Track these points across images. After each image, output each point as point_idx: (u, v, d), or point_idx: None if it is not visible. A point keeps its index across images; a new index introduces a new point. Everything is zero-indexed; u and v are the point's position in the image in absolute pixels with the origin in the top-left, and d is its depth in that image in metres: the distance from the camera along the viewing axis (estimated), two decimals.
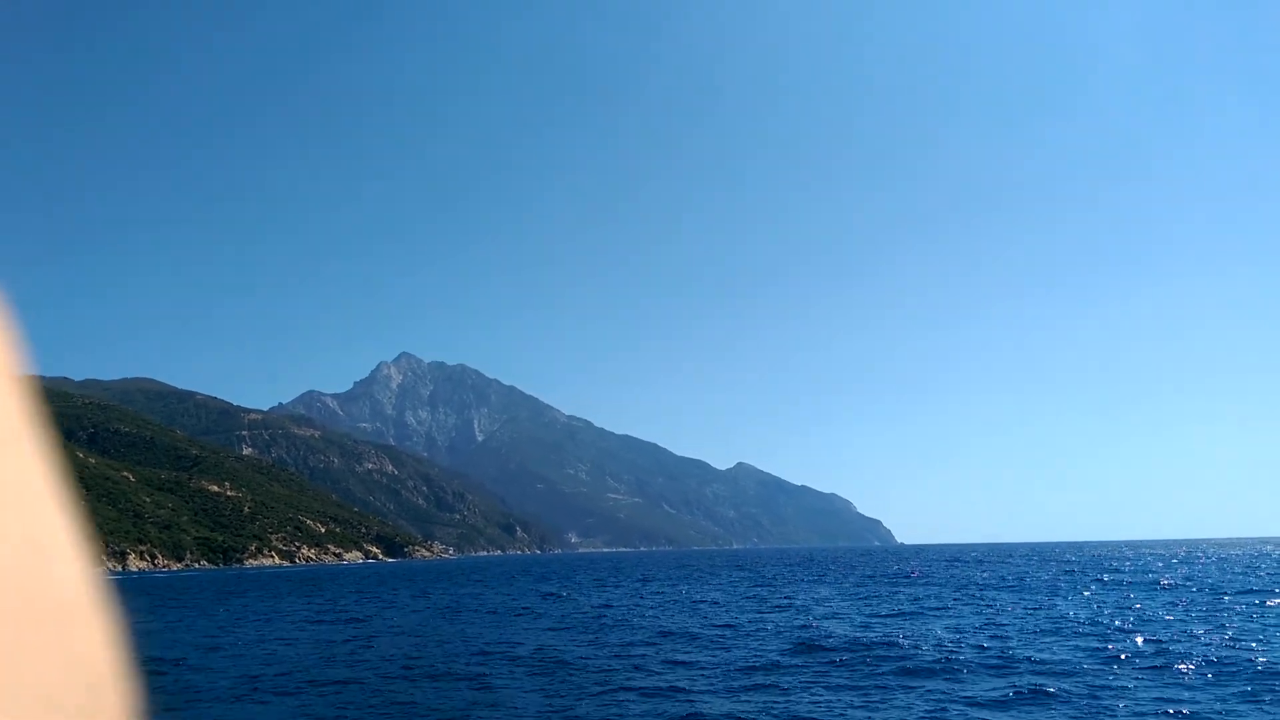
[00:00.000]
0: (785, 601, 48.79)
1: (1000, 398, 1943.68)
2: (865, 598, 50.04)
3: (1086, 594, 49.00)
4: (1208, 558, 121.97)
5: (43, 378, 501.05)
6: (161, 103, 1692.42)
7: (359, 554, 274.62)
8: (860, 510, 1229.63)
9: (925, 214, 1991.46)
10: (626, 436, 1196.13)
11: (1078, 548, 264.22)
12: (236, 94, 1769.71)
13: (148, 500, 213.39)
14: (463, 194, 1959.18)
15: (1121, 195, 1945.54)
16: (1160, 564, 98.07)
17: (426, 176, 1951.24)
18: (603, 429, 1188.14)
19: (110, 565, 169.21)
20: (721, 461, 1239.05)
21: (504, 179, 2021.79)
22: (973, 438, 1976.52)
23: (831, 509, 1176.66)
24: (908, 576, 74.00)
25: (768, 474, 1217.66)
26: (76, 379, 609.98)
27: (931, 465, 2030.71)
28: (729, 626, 34.96)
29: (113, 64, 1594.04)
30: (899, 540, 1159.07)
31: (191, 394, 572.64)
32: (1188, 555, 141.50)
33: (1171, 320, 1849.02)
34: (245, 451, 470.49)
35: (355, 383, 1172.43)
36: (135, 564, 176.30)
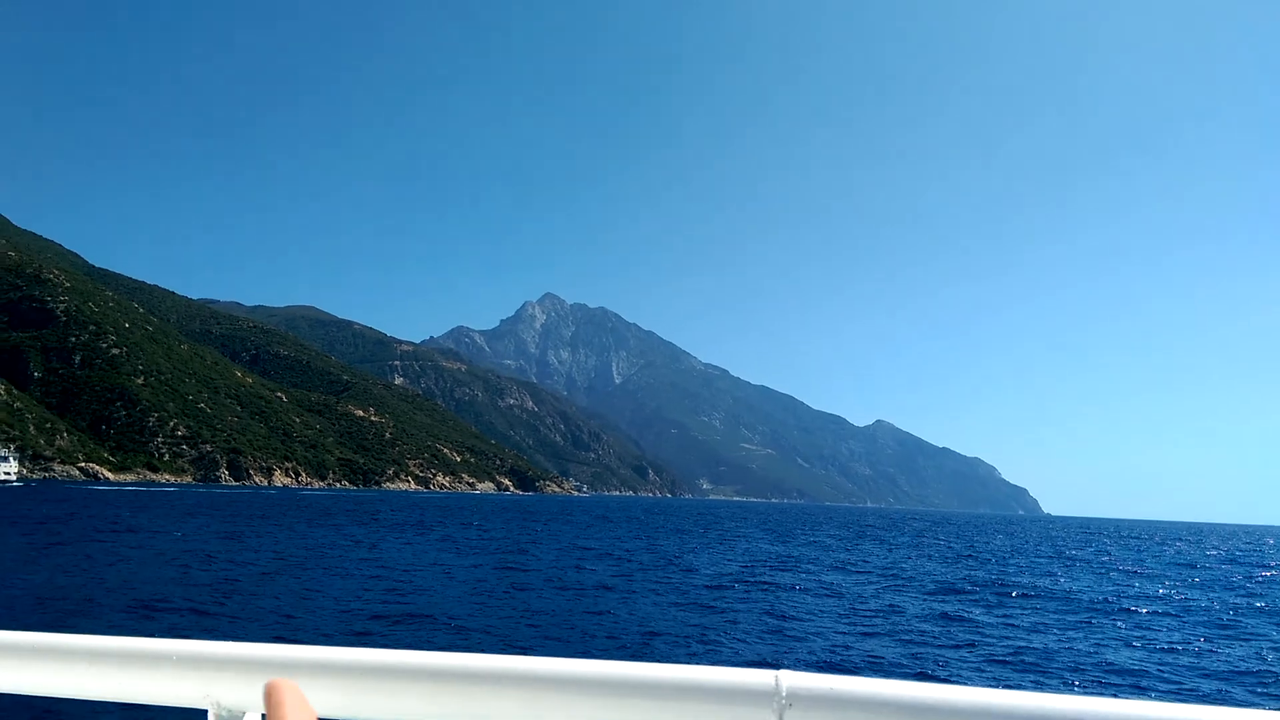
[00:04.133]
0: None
1: (1168, 370, 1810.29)
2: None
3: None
4: None
5: (216, 301, 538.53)
6: (341, 45, 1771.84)
7: (491, 485, 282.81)
8: (1005, 476, 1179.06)
9: (1087, 162, 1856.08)
10: (763, 387, 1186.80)
11: (1229, 531, 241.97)
12: (410, 49, 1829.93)
13: (297, 420, 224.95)
14: (608, 139, 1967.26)
15: None
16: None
17: (576, 122, 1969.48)
18: (739, 378, 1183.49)
19: (257, 480, 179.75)
20: (860, 418, 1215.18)
21: (652, 124, 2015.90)
22: (1133, 409, 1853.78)
23: (974, 474, 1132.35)
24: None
25: (908, 433, 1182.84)
26: (247, 304, 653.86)
27: (1086, 434, 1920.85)
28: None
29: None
30: (1045, 510, 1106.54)
31: (350, 323, 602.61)
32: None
33: None
34: (396, 381, 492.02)
35: (501, 320, 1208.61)
36: (280, 479, 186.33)
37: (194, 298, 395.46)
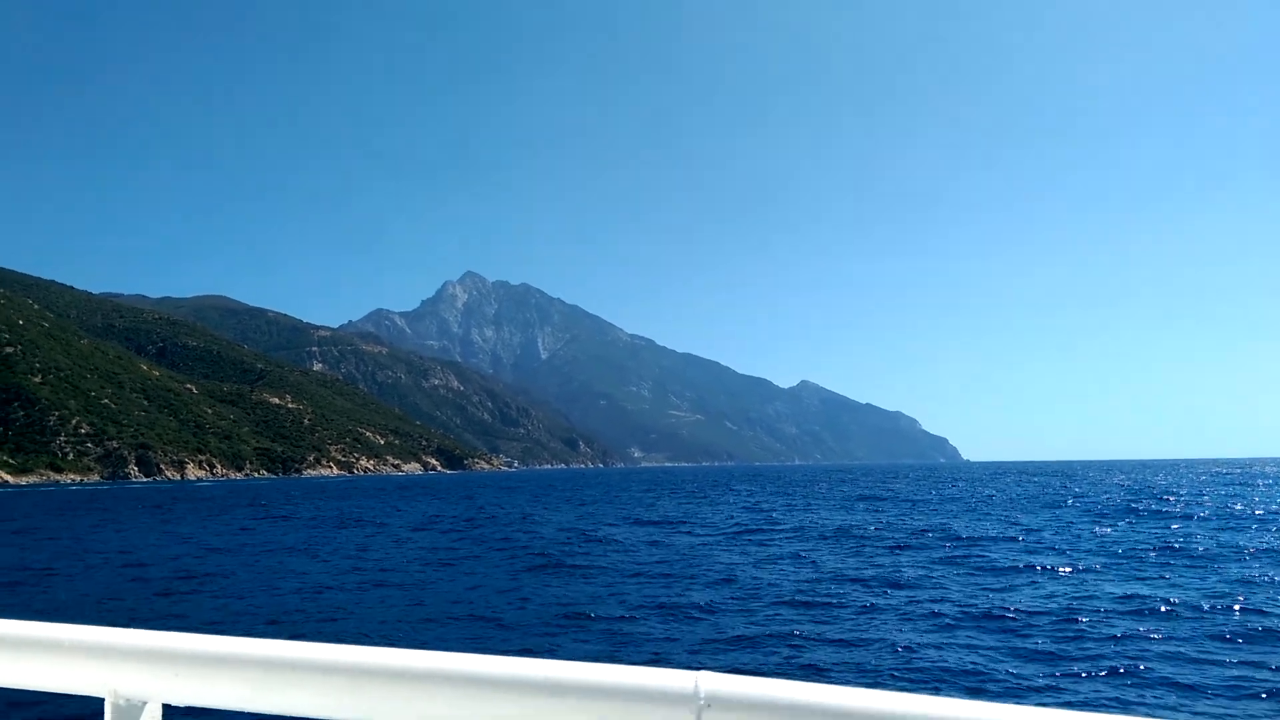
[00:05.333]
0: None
1: (1076, 313, 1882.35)
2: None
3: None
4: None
5: (119, 295, 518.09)
6: (248, 27, 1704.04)
7: (418, 465, 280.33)
8: (926, 428, 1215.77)
9: (999, 130, 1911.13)
10: (689, 355, 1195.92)
11: (1145, 466, 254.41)
12: (313, 15, 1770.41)
13: (209, 412, 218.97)
14: (524, 113, 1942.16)
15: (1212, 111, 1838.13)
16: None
17: (489, 98, 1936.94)
18: (665, 347, 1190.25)
19: (169, 474, 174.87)
20: (784, 379, 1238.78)
21: (565, 98, 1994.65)
22: (1046, 353, 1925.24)
23: (896, 427, 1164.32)
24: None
25: (831, 391, 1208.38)
26: (153, 296, 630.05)
27: (1002, 382, 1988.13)
28: None
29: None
30: (965, 457, 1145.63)
31: (263, 311, 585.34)
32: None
33: (1257, 236, 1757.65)
34: (315, 367, 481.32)
35: (422, 301, 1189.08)
36: (194, 473, 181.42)
37: (95, 292, 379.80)
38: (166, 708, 1.46)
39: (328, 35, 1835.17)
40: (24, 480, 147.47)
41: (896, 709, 1.14)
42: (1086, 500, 56.40)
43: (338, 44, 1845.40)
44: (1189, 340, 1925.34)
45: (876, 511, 47.84)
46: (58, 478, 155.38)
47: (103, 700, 1.57)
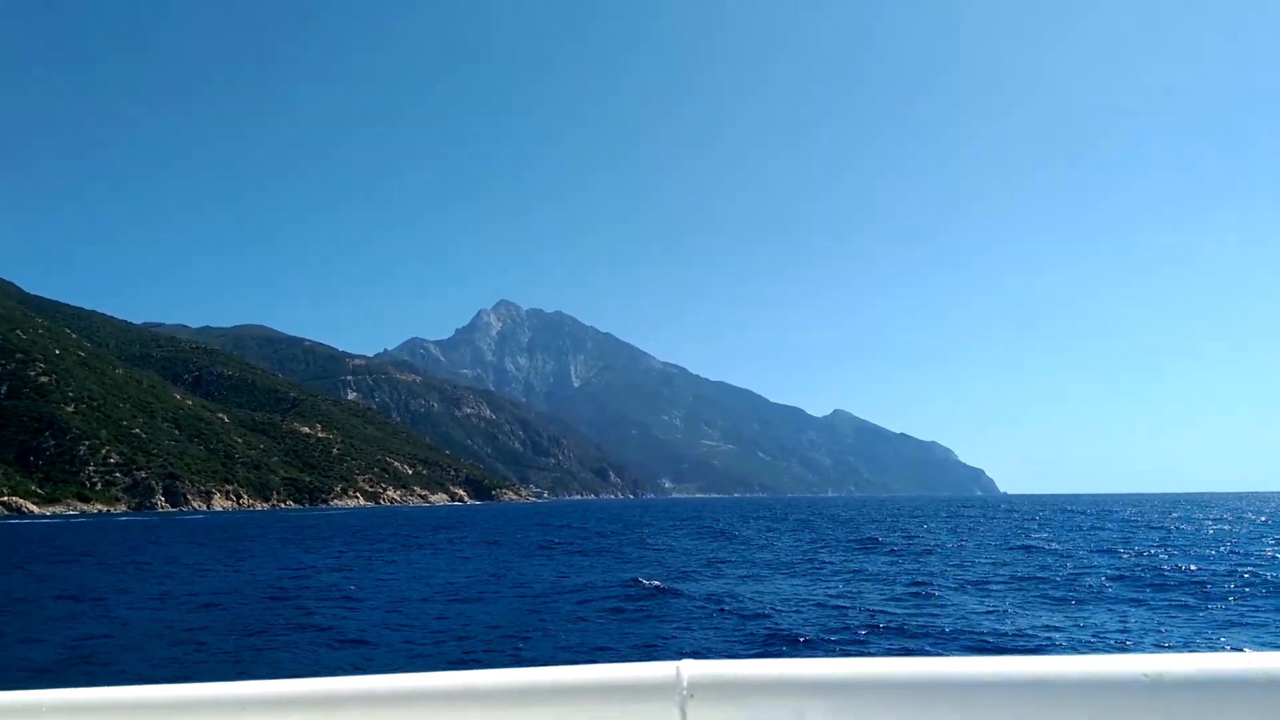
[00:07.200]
0: None
1: (1113, 343, 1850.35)
2: None
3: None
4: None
5: (160, 324, 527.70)
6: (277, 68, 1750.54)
7: (444, 496, 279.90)
8: (962, 459, 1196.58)
9: (1033, 152, 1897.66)
10: (721, 383, 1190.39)
11: (1193, 500, 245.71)
12: (332, 49, 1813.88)
13: (239, 441, 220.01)
14: (559, 144, 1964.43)
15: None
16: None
17: (523, 128, 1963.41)
18: (697, 375, 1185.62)
19: (195, 504, 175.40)
20: (818, 408, 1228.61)
21: (599, 128, 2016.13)
22: (1083, 385, 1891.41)
23: (931, 458, 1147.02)
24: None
25: (866, 421, 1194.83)
26: (194, 326, 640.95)
27: (1038, 413, 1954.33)
28: None
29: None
30: (1002, 490, 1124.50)
31: (300, 340, 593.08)
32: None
33: None
34: (350, 396, 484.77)
35: (457, 330, 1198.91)
36: (220, 503, 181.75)
37: (137, 322, 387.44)
38: None
39: (358, 69, 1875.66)
40: (49, 510, 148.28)
41: (890, 672, 1.11)
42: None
43: (369, 75, 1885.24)
44: (1237, 369, 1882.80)
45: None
46: (84, 507, 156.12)
47: None
